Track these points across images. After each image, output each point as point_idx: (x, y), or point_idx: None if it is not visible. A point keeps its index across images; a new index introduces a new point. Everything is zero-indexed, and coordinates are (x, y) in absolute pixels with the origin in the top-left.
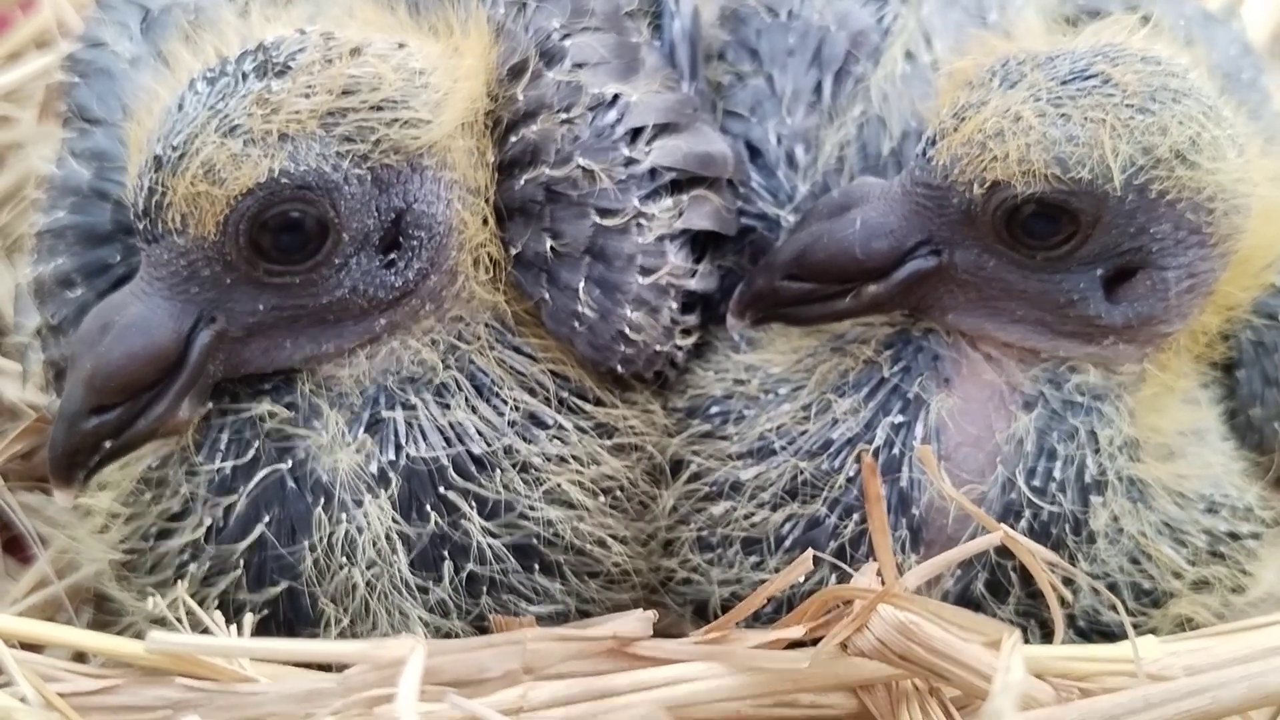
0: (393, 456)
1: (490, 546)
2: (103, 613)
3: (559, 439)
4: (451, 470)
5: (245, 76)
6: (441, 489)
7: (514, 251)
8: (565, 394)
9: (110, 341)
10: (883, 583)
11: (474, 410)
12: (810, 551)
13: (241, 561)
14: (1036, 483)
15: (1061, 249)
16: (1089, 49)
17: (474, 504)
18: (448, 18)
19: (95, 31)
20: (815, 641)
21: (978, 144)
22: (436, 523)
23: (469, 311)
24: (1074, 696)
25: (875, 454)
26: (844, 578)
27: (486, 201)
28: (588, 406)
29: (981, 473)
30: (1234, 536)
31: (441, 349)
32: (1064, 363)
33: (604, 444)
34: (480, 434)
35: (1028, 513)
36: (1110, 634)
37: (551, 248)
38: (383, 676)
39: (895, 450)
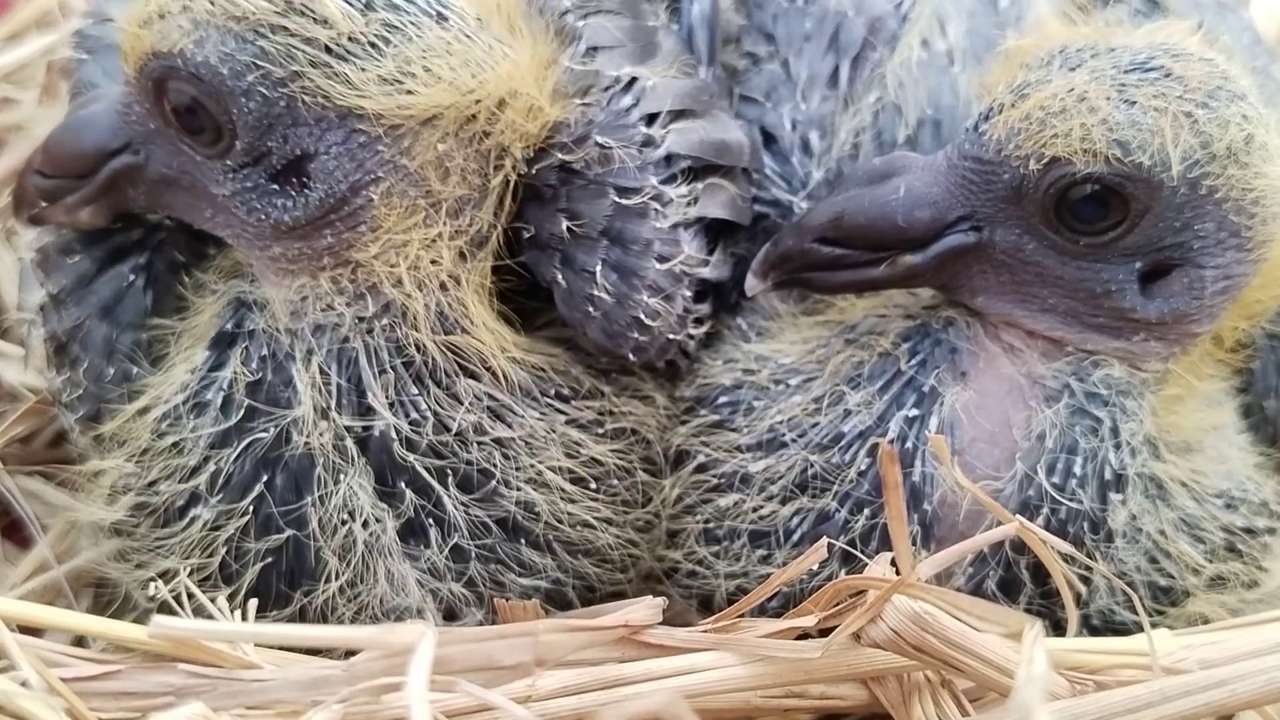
0: (349, 422)
1: (468, 520)
2: (102, 597)
3: (539, 425)
4: (403, 443)
5: None
6: (410, 459)
7: (527, 236)
8: (549, 385)
9: (63, 122)
10: (898, 572)
11: (428, 388)
12: (825, 540)
13: (251, 508)
14: (1056, 479)
15: (1106, 235)
16: (1147, 44)
17: (446, 476)
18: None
19: (103, 7)
20: (826, 633)
21: (1038, 120)
22: (411, 496)
23: (399, 289)
24: (1089, 689)
25: None
26: (854, 573)
27: (455, 226)
28: (572, 402)
29: (996, 468)
30: (1250, 532)
31: (359, 310)
32: (1089, 357)
33: (591, 433)
34: (441, 411)
35: (1046, 509)
36: (1126, 634)
37: (568, 228)
38: (391, 664)
39: (908, 444)
